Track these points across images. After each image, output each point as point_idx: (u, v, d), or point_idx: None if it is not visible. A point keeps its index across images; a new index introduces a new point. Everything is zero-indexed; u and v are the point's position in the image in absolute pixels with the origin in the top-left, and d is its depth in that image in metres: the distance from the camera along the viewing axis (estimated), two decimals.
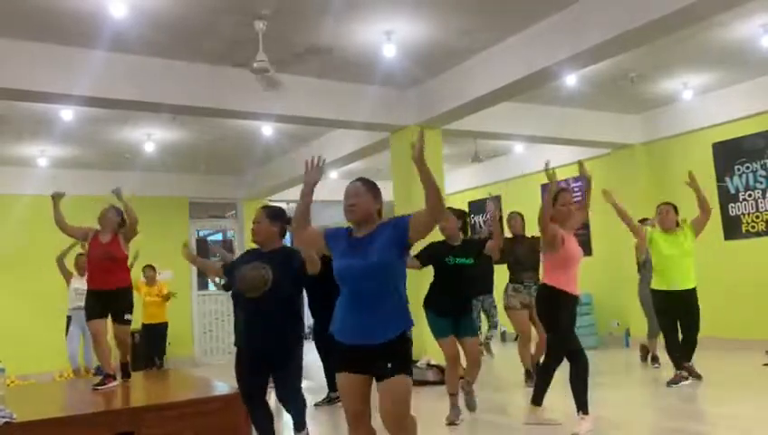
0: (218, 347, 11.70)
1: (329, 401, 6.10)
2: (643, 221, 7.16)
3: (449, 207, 5.10)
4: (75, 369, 7.93)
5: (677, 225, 5.89)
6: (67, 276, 7.84)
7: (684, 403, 5.35)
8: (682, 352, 5.87)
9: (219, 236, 12.48)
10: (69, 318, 7.92)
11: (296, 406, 3.93)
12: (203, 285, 12.00)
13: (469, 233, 5.28)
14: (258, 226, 3.91)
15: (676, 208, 5.96)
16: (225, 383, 5.01)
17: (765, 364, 6.68)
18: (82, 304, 7.17)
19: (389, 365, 2.74)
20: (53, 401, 5.04)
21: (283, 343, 3.80)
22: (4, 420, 3.47)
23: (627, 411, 5.11)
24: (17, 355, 8.29)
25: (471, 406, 5.23)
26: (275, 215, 3.94)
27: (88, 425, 3.74)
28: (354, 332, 2.82)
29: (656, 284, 5.93)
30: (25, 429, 3.54)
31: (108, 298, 5.36)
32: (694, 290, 5.81)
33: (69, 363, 7.99)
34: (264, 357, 3.79)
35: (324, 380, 6.26)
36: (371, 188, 2.99)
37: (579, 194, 10.37)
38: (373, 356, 2.76)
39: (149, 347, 9.17)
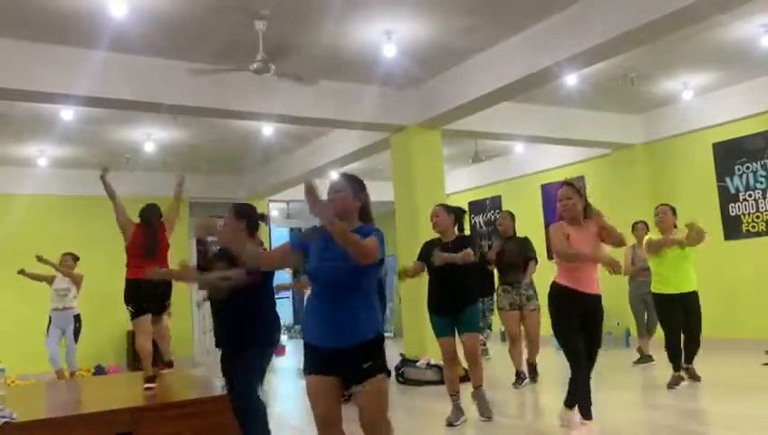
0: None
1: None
2: (636, 224, 7.26)
3: (442, 204, 5.09)
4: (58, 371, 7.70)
5: (675, 227, 5.81)
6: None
7: (684, 403, 5.34)
8: (685, 354, 5.83)
9: None
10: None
11: (245, 420, 3.68)
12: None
13: (466, 230, 5.08)
14: (225, 226, 3.85)
15: (674, 210, 5.90)
16: (224, 383, 5.00)
17: (765, 364, 6.68)
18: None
19: (366, 366, 2.69)
20: (53, 401, 5.04)
21: (236, 344, 3.71)
22: (4, 420, 3.46)
23: (626, 411, 5.11)
24: (17, 355, 8.29)
25: (484, 412, 4.96)
26: (241, 213, 3.84)
27: (87, 425, 3.73)
28: (326, 334, 2.74)
29: (656, 287, 5.88)
30: (25, 429, 3.54)
31: None
32: (694, 293, 5.75)
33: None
34: (226, 358, 3.79)
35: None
36: (351, 183, 2.90)
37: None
38: (345, 358, 2.69)
39: None
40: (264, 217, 4.03)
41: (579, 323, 4.21)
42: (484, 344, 9.18)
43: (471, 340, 4.84)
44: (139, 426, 3.78)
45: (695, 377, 5.95)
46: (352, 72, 6.89)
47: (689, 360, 5.89)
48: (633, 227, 7.27)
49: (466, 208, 11.03)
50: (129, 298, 5.45)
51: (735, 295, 8.16)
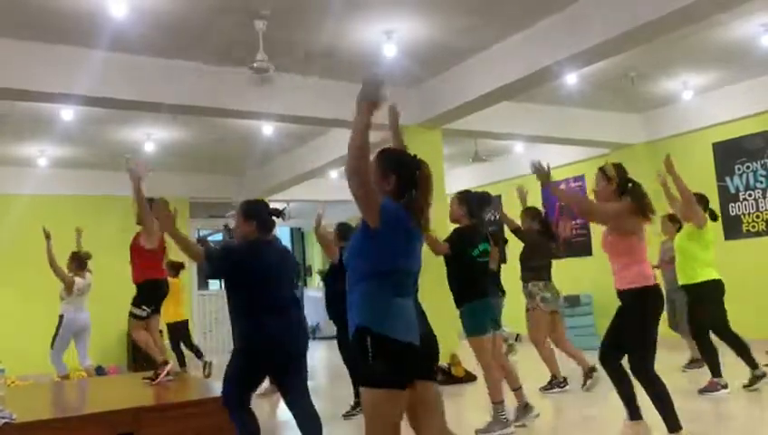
0: (218, 347, 11.68)
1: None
2: (663, 218, 6.64)
3: (459, 192, 4.81)
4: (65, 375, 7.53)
5: (709, 212, 5.69)
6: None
7: (684, 403, 5.33)
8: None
9: (219, 237, 12.48)
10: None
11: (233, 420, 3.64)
12: (203, 285, 12.00)
13: (472, 219, 4.68)
14: (236, 225, 3.80)
15: (704, 200, 5.65)
16: None
17: (765, 364, 6.67)
18: None
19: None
20: (53, 402, 5.03)
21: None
22: (4, 420, 3.46)
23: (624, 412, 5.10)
24: (17, 355, 8.28)
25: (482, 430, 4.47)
26: (248, 213, 3.70)
27: (88, 426, 3.73)
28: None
29: None
30: (25, 429, 3.53)
31: None
32: (685, 286, 5.72)
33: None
34: None
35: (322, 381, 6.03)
36: (376, 160, 2.56)
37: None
38: None
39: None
40: (280, 213, 3.88)
41: (615, 320, 3.96)
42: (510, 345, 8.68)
43: (471, 344, 4.53)
44: (141, 426, 3.78)
45: (707, 388, 5.54)
46: (352, 71, 6.88)
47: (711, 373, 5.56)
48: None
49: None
50: (151, 299, 5.38)
51: (735, 295, 8.13)
